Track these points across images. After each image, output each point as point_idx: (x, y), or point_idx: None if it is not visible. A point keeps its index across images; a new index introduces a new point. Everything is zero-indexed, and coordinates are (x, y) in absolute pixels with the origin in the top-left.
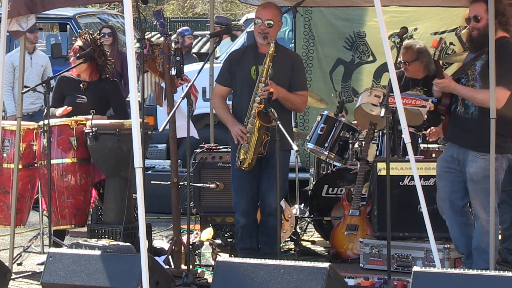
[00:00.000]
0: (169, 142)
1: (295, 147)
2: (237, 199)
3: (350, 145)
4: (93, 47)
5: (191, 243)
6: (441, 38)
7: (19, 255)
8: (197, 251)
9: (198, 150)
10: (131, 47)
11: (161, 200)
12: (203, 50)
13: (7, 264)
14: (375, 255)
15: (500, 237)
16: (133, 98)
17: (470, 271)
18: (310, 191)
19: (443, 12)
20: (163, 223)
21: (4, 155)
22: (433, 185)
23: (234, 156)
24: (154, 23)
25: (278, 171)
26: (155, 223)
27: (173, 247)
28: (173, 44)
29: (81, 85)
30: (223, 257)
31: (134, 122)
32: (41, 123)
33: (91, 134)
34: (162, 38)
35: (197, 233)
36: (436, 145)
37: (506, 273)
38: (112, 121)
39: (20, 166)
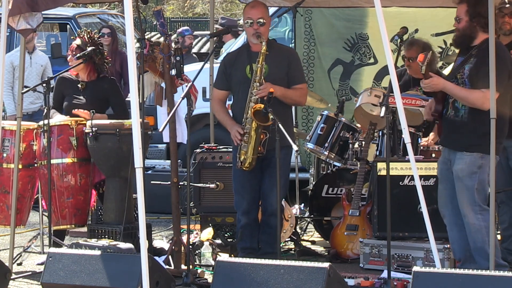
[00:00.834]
0: (169, 142)
1: (295, 147)
2: (238, 198)
3: (350, 145)
4: (94, 47)
5: (191, 243)
6: (426, 52)
7: (19, 255)
8: (197, 251)
9: (198, 150)
10: (132, 47)
11: (161, 200)
12: (203, 50)
13: (7, 264)
14: (375, 255)
15: (499, 237)
16: (133, 98)
17: (470, 271)
18: (310, 191)
19: (443, 12)
20: (163, 223)
21: (4, 155)
22: (433, 185)
23: (235, 157)
24: (154, 23)
25: (278, 170)
26: (155, 223)
27: (173, 247)
28: (173, 44)
29: (79, 85)
30: (223, 257)
31: (134, 122)
32: (41, 123)
33: (91, 134)
34: (162, 38)
35: (197, 233)
36: (436, 145)
37: (506, 273)
38: (112, 121)
39: (20, 166)
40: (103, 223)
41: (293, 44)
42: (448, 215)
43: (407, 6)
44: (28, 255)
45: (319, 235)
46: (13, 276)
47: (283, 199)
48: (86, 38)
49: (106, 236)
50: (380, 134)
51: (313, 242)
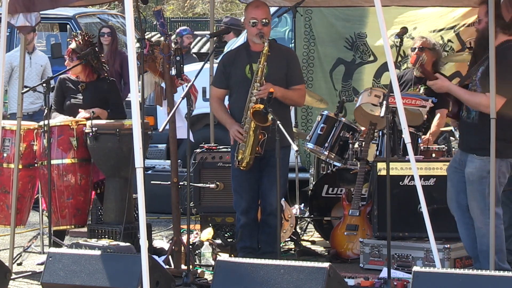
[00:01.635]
0: (169, 142)
1: (294, 147)
2: (237, 198)
3: (350, 145)
4: (92, 48)
5: (191, 243)
6: (418, 55)
7: (19, 255)
8: (197, 251)
9: (198, 150)
10: (132, 47)
11: (161, 200)
12: (203, 50)
13: (7, 264)
14: (375, 255)
15: None
16: (134, 98)
17: (470, 271)
18: (310, 191)
19: (442, 11)
20: (163, 223)
21: (4, 155)
22: (433, 185)
23: (234, 156)
24: (154, 23)
25: (278, 170)
26: (155, 223)
27: (173, 247)
28: (173, 44)
29: (79, 86)
30: (223, 257)
31: (134, 122)
32: (41, 123)
33: (91, 134)
34: (162, 38)
35: (197, 233)
36: (436, 145)
37: (506, 273)
38: (112, 121)
39: (20, 166)
40: (103, 223)
41: (293, 44)
42: (455, 212)
43: (407, 6)
44: (28, 255)
45: (319, 235)
46: (13, 276)
47: (283, 199)
48: (81, 41)
49: (106, 236)
50: (380, 134)
51: (313, 242)
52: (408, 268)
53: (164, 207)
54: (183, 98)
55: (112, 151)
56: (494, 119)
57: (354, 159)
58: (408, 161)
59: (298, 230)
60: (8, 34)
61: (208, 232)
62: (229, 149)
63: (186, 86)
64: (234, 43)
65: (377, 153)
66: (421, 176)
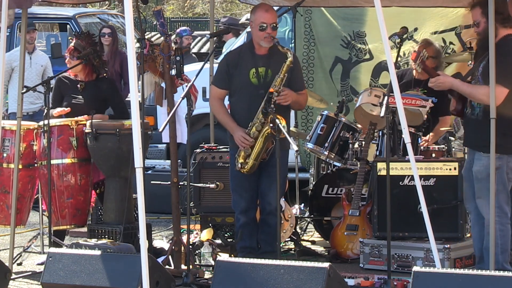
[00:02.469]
0: (169, 142)
1: (295, 147)
2: (236, 198)
3: (350, 145)
4: (92, 48)
5: (191, 243)
6: (419, 51)
7: (19, 255)
8: (197, 251)
9: (198, 150)
10: (132, 47)
11: (161, 200)
12: (203, 50)
13: (7, 264)
14: (375, 255)
15: None
16: (133, 98)
17: (470, 271)
18: (310, 191)
19: (442, 11)
20: (163, 223)
21: (4, 155)
22: (433, 185)
23: (233, 157)
24: (154, 23)
25: (278, 170)
26: (155, 223)
27: (173, 247)
28: (173, 44)
29: (78, 85)
30: (223, 257)
31: (134, 122)
32: (41, 123)
33: (91, 134)
34: (162, 38)
35: (197, 233)
36: (436, 145)
37: (506, 273)
38: (112, 121)
39: (20, 166)
40: (103, 223)
41: (293, 44)
42: (472, 212)
43: (407, 6)
44: (28, 255)
45: (319, 235)
46: (13, 276)
47: (283, 199)
48: (83, 39)
49: (106, 236)
50: (380, 134)
51: (313, 242)
52: (408, 268)
53: (164, 207)
54: (183, 98)
55: (112, 151)
56: (494, 119)
57: (354, 159)
58: (408, 161)
59: (298, 230)
60: (8, 34)
61: (208, 232)
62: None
63: (186, 86)
64: (233, 43)
65: (377, 153)
66: (421, 176)
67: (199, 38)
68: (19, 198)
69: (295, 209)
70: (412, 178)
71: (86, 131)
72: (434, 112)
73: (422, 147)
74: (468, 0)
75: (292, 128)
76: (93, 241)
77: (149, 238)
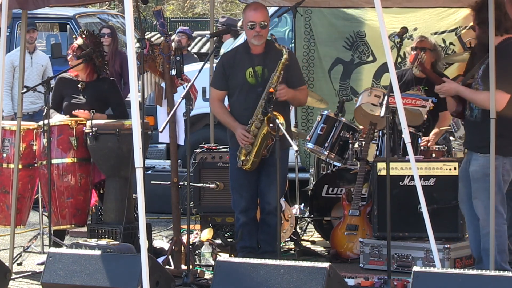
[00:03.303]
0: (169, 142)
1: (295, 147)
2: (236, 197)
3: (350, 145)
4: (92, 48)
5: (191, 243)
6: (417, 53)
7: (19, 255)
8: (197, 251)
9: (198, 150)
10: (132, 47)
11: (161, 200)
12: (203, 50)
13: (7, 264)
14: (375, 255)
15: None
16: (133, 98)
17: (470, 271)
18: (310, 191)
19: (443, 12)
20: (163, 223)
21: (4, 155)
22: (433, 185)
23: (234, 156)
24: (154, 23)
25: (278, 170)
26: (155, 223)
27: (173, 247)
28: (173, 44)
29: (79, 85)
30: (223, 257)
31: (134, 122)
32: (41, 123)
33: (91, 134)
34: (162, 38)
35: (197, 233)
36: (436, 145)
37: (506, 273)
38: (112, 121)
39: (20, 166)
40: (103, 223)
41: (293, 44)
42: (466, 213)
43: (407, 7)
44: (28, 255)
45: (319, 235)
46: (13, 276)
47: (283, 199)
48: (87, 38)
49: (106, 236)
50: (380, 134)
51: (313, 242)
52: (408, 268)
53: (164, 207)
54: (183, 98)
55: (112, 151)
56: (494, 119)
57: (354, 159)
58: (408, 161)
59: (298, 230)
60: (8, 34)
61: (208, 232)
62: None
63: (186, 86)
64: (232, 44)
65: (377, 153)
66: (421, 176)
67: (199, 38)
68: (19, 198)
69: (295, 209)
70: (412, 178)
71: (86, 131)
72: (434, 109)
73: (422, 147)
74: (468, 0)
75: (292, 128)
76: (93, 241)
77: (149, 238)
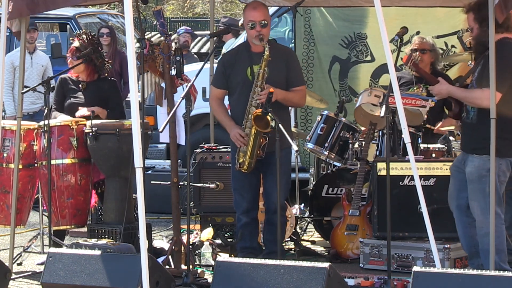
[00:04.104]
0: (169, 142)
1: (295, 147)
2: (238, 198)
3: (350, 145)
4: (92, 48)
5: (191, 243)
6: (410, 54)
7: (19, 255)
8: (197, 251)
9: (198, 150)
10: (132, 47)
11: (161, 200)
12: (203, 50)
13: (7, 264)
14: (375, 255)
15: None
16: (133, 98)
17: (470, 271)
18: (310, 191)
19: (444, 15)
20: (163, 223)
21: (4, 155)
22: (433, 185)
23: (234, 157)
24: (154, 23)
25: (278, 170)
26: (155, 223)
27: (173, 247)
28: (173, 44)
29: (80, 85)
30: (223, 257)
31: (134, 122)
32: (41, 123)
33: (91, 134)
34: (162, 38)
35: (197, 233)
36: (436, 145)
37: (506, 273)
38: (112, 121)
39: (20, 166)
40: (103, 223)
41: (293, 44)
42: (454, 209)
43: (407, 6)
44: (28, 255)
45: (319, 235)
46: (13, 276)
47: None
48: (85, 40)
49: (106, 236)
50: (380, 134)
51: (313, 242)
52: (408, 268)
53: (164, 207)
54: (183, 98)
55: (112, 151)
56: (494, 119)
57: (354, 159)
58: (408, 161)
59: (298, 230)
60: (8, 34)
61: (208, 232)
62: (229, 149)
63: (186, 86)
64: (232, 43)
65: (377, 153)
66: (421, 176)
67: (199, 38)
68: (19, 198)
69: (295, 209)
70: (412, 178)
71: (86, 131)
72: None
73: (422, 147)
74: (468, 0)
75: (292, 128)
76: (93, 241)
77: (149, 238)
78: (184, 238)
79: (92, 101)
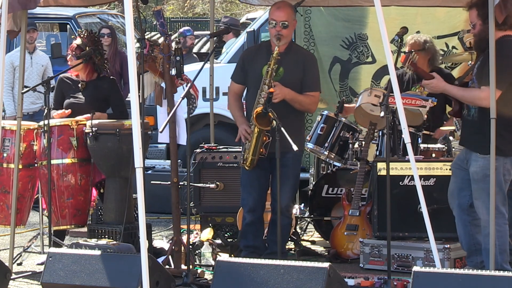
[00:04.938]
0: (169, 142)
1: (295, 147)
2: (245, 195)
3: (350, 145)
4: (92, 48)
5: (191, 243)
6: (408, 53)
7: (19, 255)
8: (197, 251)
9: (198, 150)
10: (132, 47)
11: (161, 200)
12: (203, 50)
13: (7, 264)
14: (375, 255)
15: None
16: (133, 98)
17: (470, 271)
18: (310, 191)
19: (444, 15)
20: (163, 223)
21: (4, 155)
22: (433, 185)
23: (242, 153)
24: (154, 23)
25: (278, 171)
26: (155, 223)
27: (173, 247)
28: (173, 44)
29: (79, 85)
30: (223, 257)
31: (134, 122)
32: (41, 123)
33: (91, 134)
34: (162, 38)
35: (197, 233)
36: (436, 145)
37: (506, 273)
38: (112, 121)
39: (20, 166)
40: (103, 223)
41: None
42: (455, 208)
43: (406, 5)
44: (28, 255)
45: (319, 235)
46: (13, 276)
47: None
48: (86, 38)
49: (106, 236)
50: (380, 134)
51: (313, 242)
52: (408, 268)
53: (164, 207)
54: (183, 98)
55: (112, 151)
56: (494, 119)
57: (354, 159)
58: (408, 161)
59: (298, 230)
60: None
61: (208, 232)
62: (229, 149)
63: (186, 86)
64: (233, 43)
65: (377, 153)
66: (421, 176)
67: (199, 38)
68: (19, 198)
69: (295, 209)
70: (412, 178)
71: (86, 131)
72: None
73: (422, 147)
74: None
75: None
76: (93, 241)
77: (149, 238)
78: (184, 238)
79: (92, 100)
